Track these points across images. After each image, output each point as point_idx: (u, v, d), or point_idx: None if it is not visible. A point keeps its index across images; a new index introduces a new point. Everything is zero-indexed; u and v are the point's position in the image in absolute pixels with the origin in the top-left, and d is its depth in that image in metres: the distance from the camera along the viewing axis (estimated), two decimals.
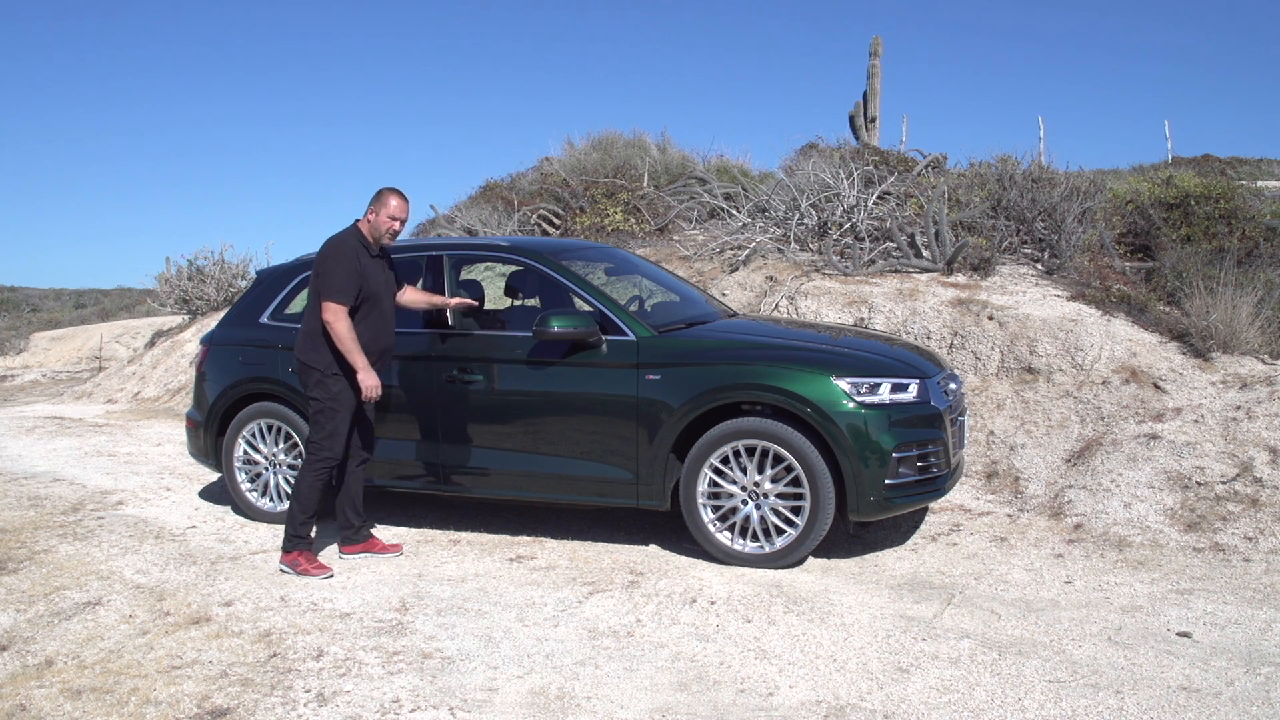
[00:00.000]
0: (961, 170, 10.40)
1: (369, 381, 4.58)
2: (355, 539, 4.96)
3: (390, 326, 4.84)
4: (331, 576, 4.62)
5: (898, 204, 9.11)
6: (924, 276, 7.79)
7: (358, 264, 4.61)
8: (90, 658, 3.69)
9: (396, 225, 4.73)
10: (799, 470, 4.49)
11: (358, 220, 4.78)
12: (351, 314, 4.61)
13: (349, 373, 4.64)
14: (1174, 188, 8.34)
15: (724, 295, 8.09)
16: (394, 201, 4.70)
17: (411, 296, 5.10)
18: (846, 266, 8.03)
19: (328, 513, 5.30)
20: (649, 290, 6.09)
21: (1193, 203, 8.05)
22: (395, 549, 4.99)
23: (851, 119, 14.01)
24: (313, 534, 4.81)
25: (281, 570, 4.70)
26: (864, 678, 3.43)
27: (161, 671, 3.54)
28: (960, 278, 7.74)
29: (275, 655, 3.69)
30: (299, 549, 4.70)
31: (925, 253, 8.13)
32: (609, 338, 4.86)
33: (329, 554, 4.98)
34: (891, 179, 9.53)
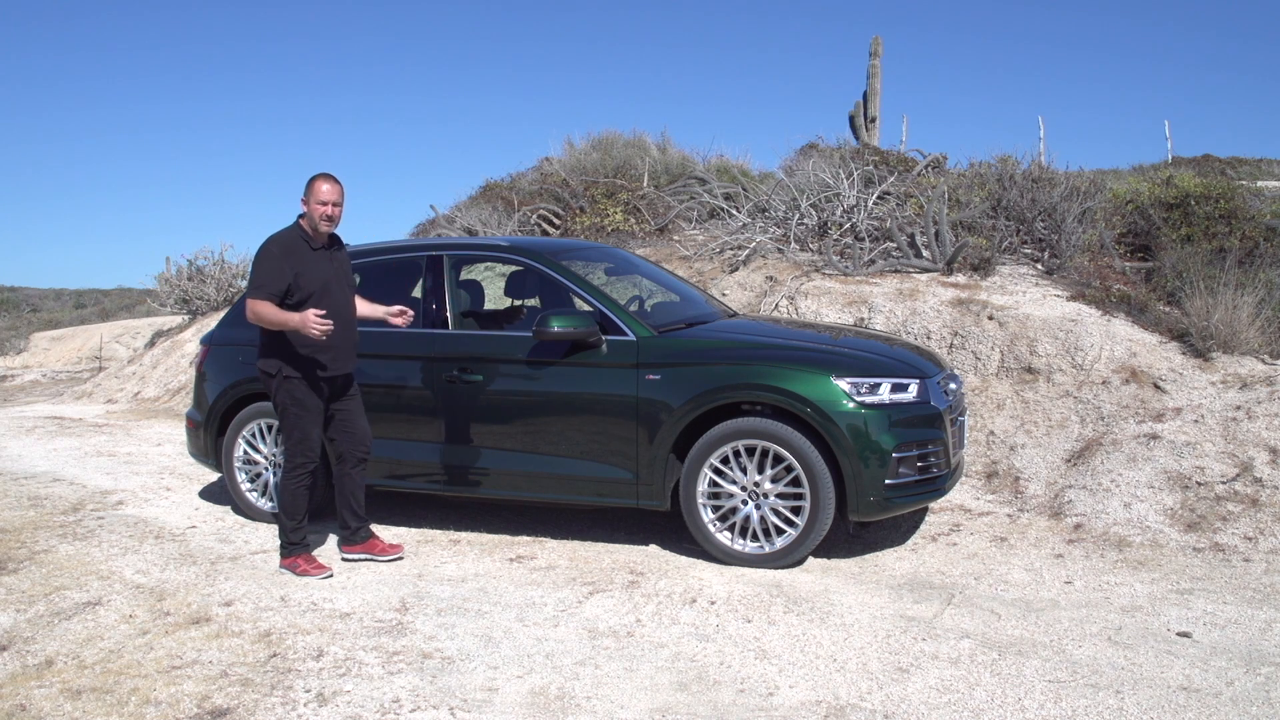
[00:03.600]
0: (961, 170, 10.40)
1: (308, 317, 4.31)
2: (355, 540, 4.96)
3: (345, 319, 4.64)
4: (331, 576, 4.62)
5: (898, 204, 9.11)
6: (924, 276, 7.79)
7: (288, 260, 4.48)
8: (90, 658, 3.69)
9: (329, 209, 4.54)
10: (799, 470, 4.49)
11: (299, 217, 4.64)
12: (294, 309, 4.46)
13: (306, 374, 4.55)
14: (1174, 188, 8.33)
15: (724, 295, 8.09)
16: (324, 186, 4.54)
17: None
18: (846, 266, 8.03)
19: (327, 512, 5.30)
20: (649, 290, 6.09)
21: (1193, 203, 8.04)
22: (395, 549, 4.99)
23: (851, 119, 14.01)
24: (307, 538, 4.80)
25: (281, 571, 4.71)
26: (864, 678, 3.43)
27: (161, 671, 3.54)
28: (960, 278, 7.74)
29: (275, 655, 3.69)
30: (295, 554, 4.72)
31: (925, 253, 8.13)
32: (609, 338, 4.86)
33: (329, 554, 4.98)
34: (891, 179, 9.53)
